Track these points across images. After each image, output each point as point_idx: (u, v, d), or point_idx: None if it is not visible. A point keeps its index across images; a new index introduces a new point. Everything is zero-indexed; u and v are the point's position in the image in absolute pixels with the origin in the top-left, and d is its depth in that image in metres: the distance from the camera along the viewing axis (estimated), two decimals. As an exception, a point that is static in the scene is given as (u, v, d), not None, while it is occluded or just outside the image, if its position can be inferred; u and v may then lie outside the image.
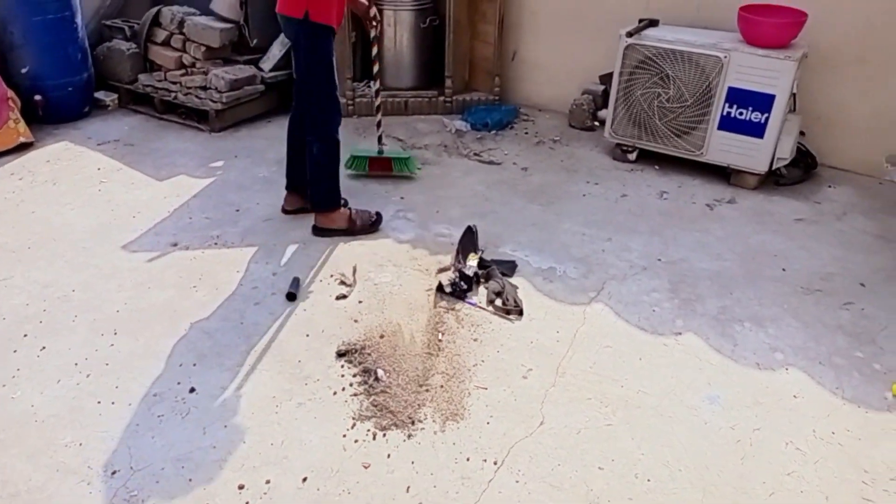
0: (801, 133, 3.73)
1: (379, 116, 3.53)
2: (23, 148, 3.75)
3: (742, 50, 3.32)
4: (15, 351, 2.33)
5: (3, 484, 1.86)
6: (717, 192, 3.55)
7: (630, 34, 3.56)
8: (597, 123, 4.30)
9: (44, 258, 2.84)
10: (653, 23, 3.67)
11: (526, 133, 4.29)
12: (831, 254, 3.01)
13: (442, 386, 2.22)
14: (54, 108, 4.04)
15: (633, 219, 3.28)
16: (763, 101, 3.33)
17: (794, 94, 3.39)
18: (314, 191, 3.04)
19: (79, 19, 4.06)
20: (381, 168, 3.63)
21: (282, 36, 4.35)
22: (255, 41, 4.35)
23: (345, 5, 2.90)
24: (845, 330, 2.51)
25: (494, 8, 4.30)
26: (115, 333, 2.43)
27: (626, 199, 3.46)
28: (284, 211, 3.26)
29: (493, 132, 4.23)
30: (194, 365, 2.29)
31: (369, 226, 3.11)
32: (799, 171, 3.67)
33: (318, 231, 3.07)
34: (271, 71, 4.33)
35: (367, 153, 3.59)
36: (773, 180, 3.62)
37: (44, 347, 2.35)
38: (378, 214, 3.16)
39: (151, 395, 2.17)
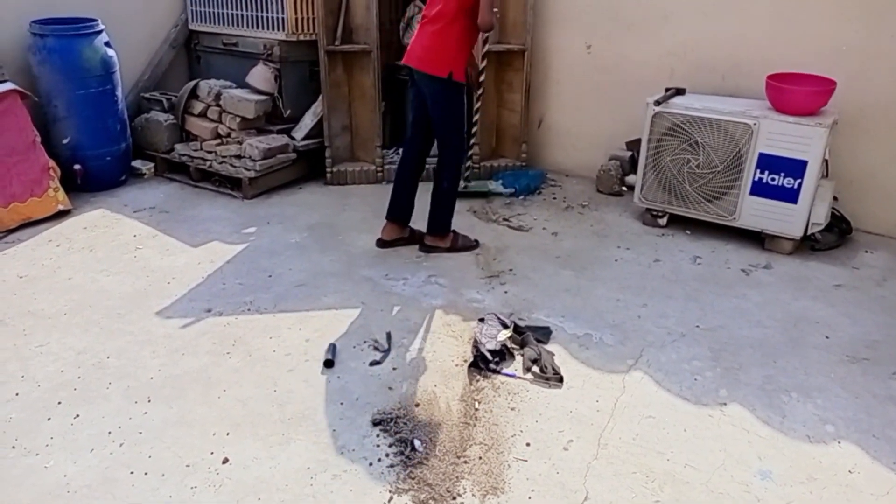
0: (835, 198, 3.70)
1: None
2: (61, 215, 3.84)
3: (771, 117, 3.35)
4: (49, 419, 2.31)
5: (32, 559, 1.81)
6: (751, 257, 3.51)
7: (658, 102, 3.61)
8: (624, 189, 4.32)
9: (79, 325, 2.85)
10: (679, 91, 3.73)
11: (554, 198, 4.32)
12: (874, 320, 2.93)
13: (480, 457, 2.15)
14: (93, 177, 4.16)
15: (667, 284, 3.23)
16: (795, 167, 3.33)
17: (826, 160, 3.38)
18: (438, 217, 3.52)
19: (119, 93, 4.23)
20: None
21: (314, 106, 4.49)
22: (288, 111, 4.49)
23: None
24: (898, 401, 2.41)
25: (520, 77, 4.41)
26: (149, 401, 2.41)
27: (660, 264, 3.43)
28: (381, 242, 3.59)
29: (522, 197, 4.26)
30: (228, 434, 2.25)
31: (470, 246, 3.58)
32: (834, 236, 3.63)
33: (427, 248, 3.56)
34: (303, 140, 4.44)
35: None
36: (808, 245, 3.58)
37: (77, 415, 2.33)
38: (477, 241, 3.63)
39: (184, 465, 2.12)
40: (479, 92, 4.00)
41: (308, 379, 2.53)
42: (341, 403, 2.40)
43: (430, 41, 3.18)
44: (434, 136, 3.43)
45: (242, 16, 4.55)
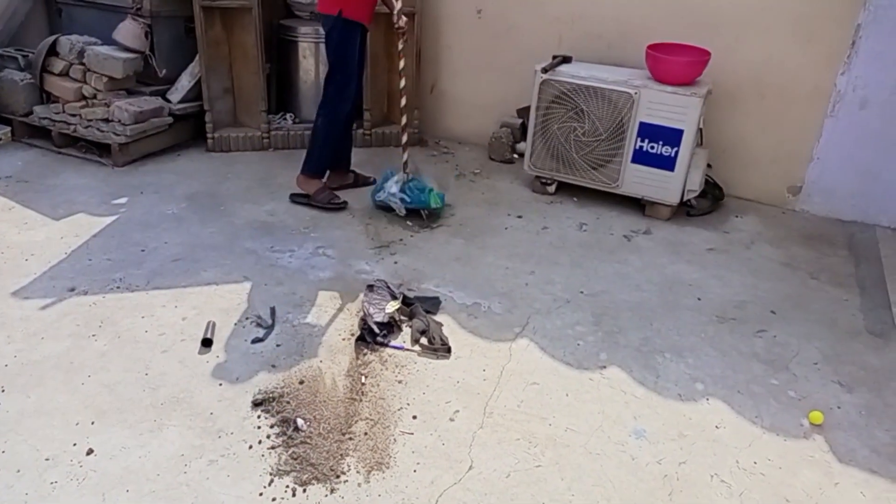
0: (709, 166, 3.89)
1: (404, 139, 3.59)
2: None
3: (651, 87, 3.45)
4: None
5: None
6: (633, 223, 3.64)
7: (545, 70, 3.63)
8: (516, 156, 4.35)
9: (-82, 309, 2.56)
10: (566, 59, 3.76)
11: (446, 163, 4.29)
12: (742, 282, 3.12)
13: (366, 433, 2.12)
14: (-65, 142, 3.71)
15: (554, 251, 3.30)
16: (672, 136, 3.46)
17: (700, 129, 3.53)
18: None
19: (-36, 47, 3.77)
20: None
21: (191, 66, 4.19)
22: (163, 72, 4.17)
23: (373, 8, 3.35)
24: (760, 357, 2.58)
25: (411, 42, 4.30)
26: (3, 391, 2.19)
27: (548, 232, 3.49)
28: (328, 189, 3.61)
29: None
30: (92, 423, 2.09)
31: (329, 204, 3.54)
32: (708, 202, 3.82)
33: (294, 196, 3.59)
34: (180, 102, 4.15)
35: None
36: (684, 211, 3.75)
37: (-85, 411, 2.09)
38: (344, 203, 3.58)
39: (43, 458, 1.96)
40: (401, 45, 3.41)
41: (184, 360, 2.39)
42: (220, 384, 2.29)
43: None
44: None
45: (107, -36, 4.15)
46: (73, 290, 2.74)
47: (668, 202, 3.63)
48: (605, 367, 2.49)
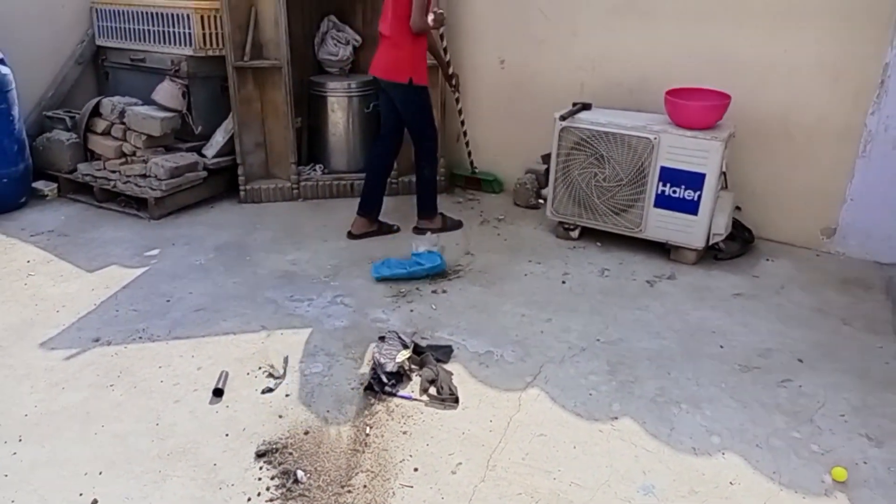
0: (738, 208, 3.80)
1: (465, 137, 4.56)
2: (-50, 241, 3.65)
3: (671, 131, 3.42)
4: None
5: None
6: (657, 267, 3.56)
7: (563, 117, 3.64)
8: (541, 201, 4.35)
9: (-47, 359, 2.70)
10: (586, 106, 3.78)
11: (472, 209, 4.32)
12: (769, 329, 3.00)
13: (365, 486, 2.10)
14: (-12, 200, 3.97)
15: (573, 298, 3.25)
16: (694, 180, 3.40)
17: (724, 173, 3.47)
18: (426, 200, 3.93)
19: (15, 112, 4.05)
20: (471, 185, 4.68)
21: (225, 123, 4.39)
22: (199, 128, 4.37)
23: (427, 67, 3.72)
24: (783, 409, 2.46)
25: (436, 94, 4.39)
26: (20, 440, 2.27)
27: (568, 278, 3.45)
28: (351, 235, 3.88)
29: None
30: (100, 473, 2.14)
31: (457, 224, 4.03)
32: (737, 246, 3.72)
33: (419, 230, 3.92)
34: (214, 157, 4.33)
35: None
36: (712, 255, 3.66)
37: (-61, 459, 2.19)
38: (461, 221, 4.08)
39: (50, 509, 2.01)
40: (456, 95, 4.32)
41: (194, 410, 2.44)
42: (227, 435, 2.32)
43: (389, 54, 3.62)
44: (410, 134, 3.83)
45: (149, 31, 4.42)
46: (97, 340, 2.85)
47: (692, 246, 3.54)
48: (616, 418, 2.41)
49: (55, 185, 4.34)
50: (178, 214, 4.15)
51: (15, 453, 2.22)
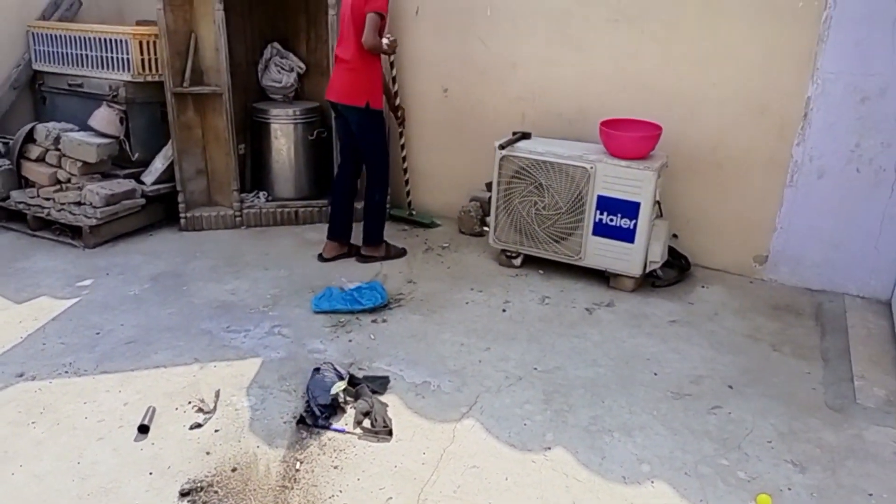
0: (674, 236, 3.91)
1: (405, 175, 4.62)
2: None
3: (606, 161, 3.50)
4: None
5: None
6: (597, 295, 3.62)
7: (503, 146, 3.70)
8: (485, 229, 4.38)
9: None
10: (525, 135, 3.85)
11: (416, 237, 4.33)
12: (702, 355, 3.07)
13: (292, 525, 2.06)
14: None
15: (513, 326, 3.28)
16: (630, 208, 3.49)
17: (658, 202, 3.56)
18: (372, 228, 3.91)
19: (-56, 136, 3.91)
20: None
21: (165, 149, 4.32)
22: (136, 155, 4.29)
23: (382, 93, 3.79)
24: (712, 436, 2.51)
25: (388, 121, 4.41)
26: (-73, 484, 2.16)
27: (509, 306, 3.48)
28: (322, 258, 3.93)
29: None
30: (12, 518, 2.05)
31: (401, 252, 4.01)
32: (674, 273, 3.81)
33: (364, 258, 3.93)
34: (154, 184, 4.26)
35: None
36: (650, 282, 3.73)
37: None
38: (404, 249, 4.06)
39: (-46, 558, 1.91)
40: (401, 130, 4.43)
41: (118, 448, 2.36)
42: (150, 473, 2.24)
43: (346, 77, 3.64)
44: (364, 158, 3.86)
45: (87, 56, 4.35)
46: (21, 375, 2.74)
47: (630, 274, 3.62)
48: (549, 448, 2.42)
49: (-15, 214, 4.19)
50: (114, 243, 4.05)
51: (-80, 499, 2.11)
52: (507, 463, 2.34)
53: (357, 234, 4.01)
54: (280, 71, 4.70)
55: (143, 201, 4.16)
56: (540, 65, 4.11)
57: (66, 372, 2.78)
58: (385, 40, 3.55)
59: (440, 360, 2.96)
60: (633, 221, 3.50)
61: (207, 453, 2.35)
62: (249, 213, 4.41)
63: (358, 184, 4.01)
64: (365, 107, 3.62)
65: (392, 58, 4.06)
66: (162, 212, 4.35)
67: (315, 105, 4.62)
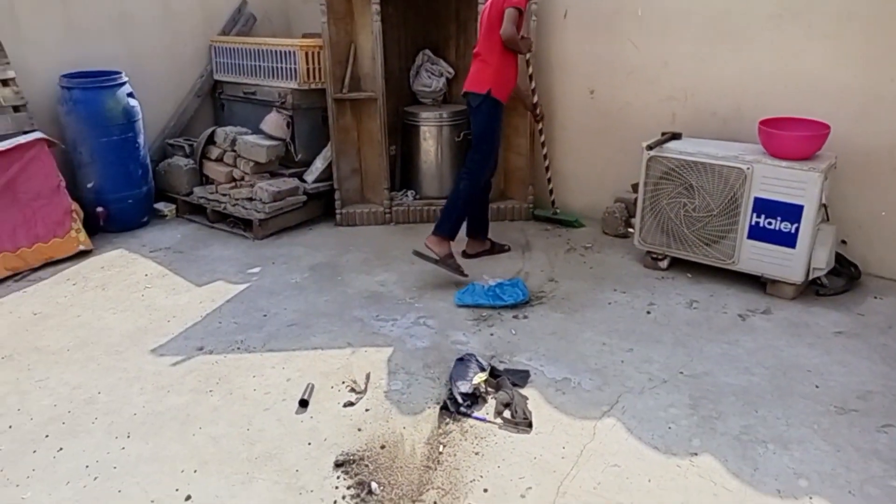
0: (843, 242, 3.61)
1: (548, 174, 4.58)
2: (82, 255, 4.06)
3: (765, 162, 3.31)
4: (35, 451, 2.43)
5: (-7, 587, 1.89)
6: (751, 301, 3.42)
7: (651, 147, 3.61)
8: (630, 230, 4.29)
9: (79, 361, 3.00)
10: (675, 136, 3.73)
11: (559, 237, 4.33)
12: (872, 370, 2.81)
13: (435, 502, 2.15)
14: (115, 219, 4.40)
15: (658, 328, 3.19)
16: (791, 212, 3.27)
17: (824, 205, 3.30)
18: (443, 217, 3.74)
19: (141, 140, 4.48)
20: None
21: (324, 150, 4.65)
22: (300, 156, 4.66)
23: (511, 91, 3.80)
24: (881, 455, 2.30)
25: (525, 122, 4.47)
26: (128, 437, 2.50)
27: (654, 308, 3.38)
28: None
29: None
30: (195, 471, 2.31)
31: (456, 270, 3.68)
32: (842, 281, 3.52)
33: (418, 252, 3.76)
34: (314, 182, 4.60)
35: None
36: (813, 290, 3.47)
37: (61, 449, 2.44)
38: (466, 275, 3.70)
39: (149, 501, 2.19)
40: (540, 124, 4.39)
41: (281, 418, 2.59)
42: (309, 443, 2.44)
43: (475, 67, 3.73)
44: (471, 145, 3.82)
45: (260, 66, 4.79)
46: (201, 349, 3.09)
47: (791, 280, 3.38)
48: (696, 454, 2.34)
49: (174, 206, 4.75)
50: (279, 235, 4.42)
51: (123, 448, 2.44)
52: (650, 465, 2.29)
53: (498, 234, 4.07)
54: (430, 76, 4.90)
55: (304, 198, 4.51)
56: (694, 63, 3.96)
57: (238, 348, 3.09)
58: (520, 37, 3.59)
59: (581, 358, 2.95)
60: (795, 225, 3.27)
61: (359, 430, 2.51)
62: (398, 211, 4.64)
63: (492, 181, 4.01)
64: (486, 93, 3.63)
65: (528, 56, 4.08)
66: (320, 208, 4.69)
67: (462, 108, 4.75)
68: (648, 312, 3.34)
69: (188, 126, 5.16)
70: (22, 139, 3.98)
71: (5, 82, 4.10)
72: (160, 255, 4.13)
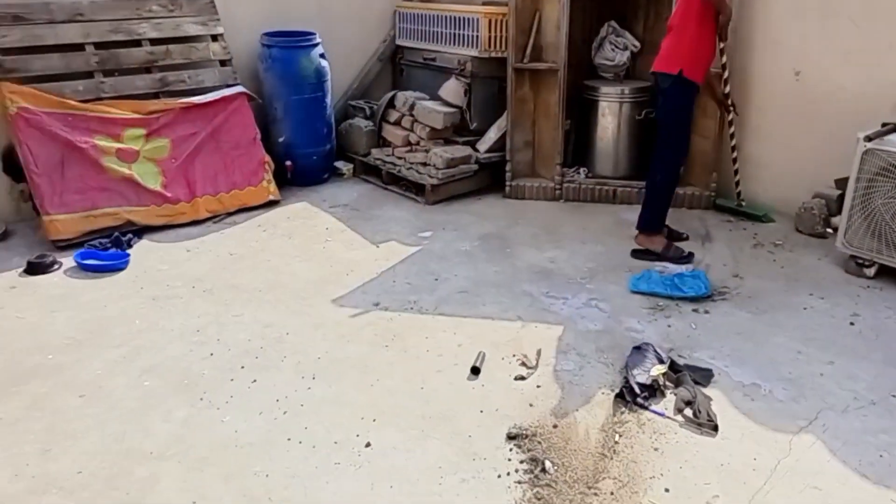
0: None
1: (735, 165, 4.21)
2: (271, 205, 4.35)
3: None
4: (232, 380, 2.64)
5: (199, 499, 2.07)
6: (981, 325, 2.98)
7: (870, 138, 3.21)
8: (829, 231, 3.88)
9: (269, 301, 3.22)
10: (902, 127, 3.28)
11: (744, 230, 4.02)
12: None
13: (612, 493, 2.08)
14: (300, 173, 4.66)
15: (863, 343, 2.86)
16: None
17: None
18: (646, 214, 3.62)
19: (328, 100, 4.70)
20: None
21: (499, 121, 4.61)
22: (474, 124, 4.66)
23: (707, 70, 3.52)
24: None
25: (714, 104, 4.15)
26: (314, 378, 2.65)
27: (858, 320, 3.04)
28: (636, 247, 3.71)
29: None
30: (374, 420, 2.40)
31: (682, 259, 3.54)
32: None
33: (636, 252, 3.63)
34: (486, 152, 4.59)
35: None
36: None
37: (255, 381, 2.63)
38: (691, 254, 3.57)
39: (333, 441, 2.30)
40: (730, 114, 4.01)
41: (453, 382, 2.62)
42: (481, 411, 2.45)
43: (667, 43, 3.47)
44: (658, 132, 3.57)
45: (442, 33, 4.82)
46: (377, 304, 3.20)
47: None
48: (914, 490, 2.07)
49: (352, 166, 4.95)
50: (448, 202, 4.47)
51: (309, 388, 2.59)
52: (858, 493, 2.06)
53: (675, 221, 3.84)
54: (614, 49, 4.69)
55: (475, 167, 4.52)
56: (933, 44, 3.45)
57: (411, 308, 3.16)
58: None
59: (772, 365, 2.71)
60: None
61: (530, 405, 2.48)
62: (569, 188, 4.52)
63: (681, 170, 3.75)
64: (677, 73, 3.35)
65: (722, 45, 3.65)
66: (489, 178, 4.67)
67: (646, 85, 4.51)
68: (852, 324, 3.01)
69: (369, 89, 5.33)
70: (226, 92, 4.31)
71: (214, 37, 4.45)
72: (339, 211, 4.33)
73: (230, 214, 4.20)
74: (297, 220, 4.17)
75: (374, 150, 4.80)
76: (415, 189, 4.55)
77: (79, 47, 3.97)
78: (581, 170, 4.68)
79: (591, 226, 4.10)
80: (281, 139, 4.61)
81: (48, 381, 2.62)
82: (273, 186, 4.38)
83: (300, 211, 4.32)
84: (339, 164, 4.95)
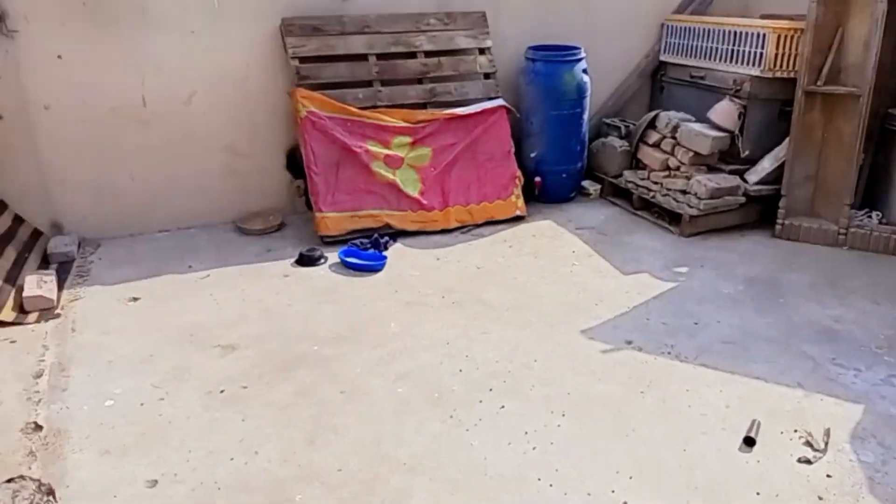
0: None
1: None
2: (517, 220, 4.32)
3: None
4: (481, 401, 2.61)
5: (451, 524, 2.05)
6: None
7: None
8: None
9: (517, 322, 3.16)
10: None
11: None
12: None
13: None
14: (548, 190, 4.58)
15: None
16: None
17: None
18: None
19: (585, 117, 4.55)
20: None
21: (777, 150, 4.13)
22: (746, 152, 4.21)
23: None
24: None
25: (853, 125, 3.32)
26: (563, 415, 2.52)
27: None
28: None
29: None
30: (631, 478, 2.20)
31: None
32: None
33: None
34: (756, 184, 4.12)
35: None
36: None
37: (503, 406, 2.58)
38: None
39: (585, 492, 2.16)
40: None
41: (722, 449, 2.33)
42: (757, 493, 2.14)
43: None
44: None
45: (716, 49, 4.43)
46: (629, 343, 2.98)
47: None
48: None
49: (599, 186, 4.76)
50: (706, 236, 4.09)
51: (559, 425, 2.47)
52: None
53: None
54: (935, 73, 3.93)
55: (742, 199, 4.08)
56: None
57: (668, 353, 2.91)
58: None
59: None
60: None
61: (820, 498, 2.11)
62: (856, 233, 3.89)
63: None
64: None
65: None
66: (755, 213, 4.20)
67: (977, 118, 3.73)
68: None
69: (624, 106, 5.10)
70: (488, 104, 4.37)
71: (482, 50, 4.52)
72: (585, 233, 4.17)
73: (477, 226, 4.24)
74: (543, 239, 4.08)
75: (626, 172, 4.56)
76: (668, 217, 4.23)
77: (363, 57, 4.27)
78: (873, 213, 4.00)
79: (886, 282, 3.48)
80: (533, 154, 4.57)
81: (314, 371, 2.81)
82: (521, 202, 4.35)
83: (545, 229, 4.23)
84: (586, 183, 4.78)
